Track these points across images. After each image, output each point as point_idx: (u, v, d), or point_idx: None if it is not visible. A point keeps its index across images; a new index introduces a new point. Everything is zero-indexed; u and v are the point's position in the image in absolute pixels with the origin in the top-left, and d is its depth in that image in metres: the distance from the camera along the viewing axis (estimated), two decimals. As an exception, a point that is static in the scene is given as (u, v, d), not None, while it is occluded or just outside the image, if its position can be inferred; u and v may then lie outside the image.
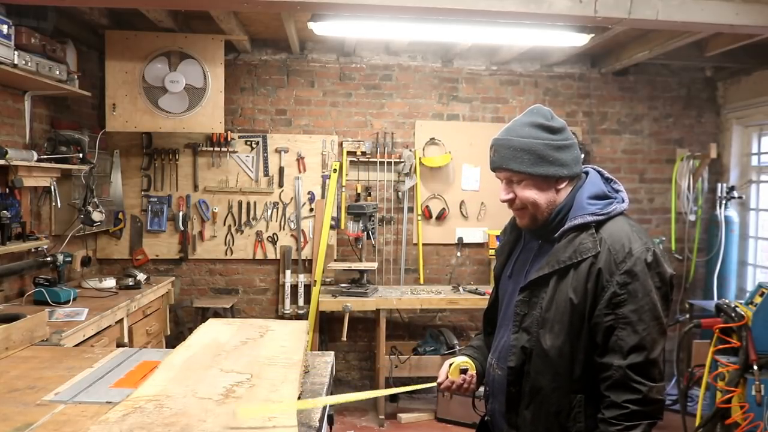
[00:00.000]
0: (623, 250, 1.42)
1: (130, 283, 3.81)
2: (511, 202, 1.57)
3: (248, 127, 4.76)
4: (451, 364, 1.71)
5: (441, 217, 4.88)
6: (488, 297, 1.87)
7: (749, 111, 4.90)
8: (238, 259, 4.75)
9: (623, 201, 1.53)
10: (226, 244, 4.70)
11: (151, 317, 3.94)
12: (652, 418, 1.39)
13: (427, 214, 4.86)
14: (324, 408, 1.69)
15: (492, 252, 4.66)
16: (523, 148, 1.49)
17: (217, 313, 4.42)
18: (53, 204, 3.58)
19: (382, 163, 4.79)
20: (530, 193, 1.52)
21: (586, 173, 1.57)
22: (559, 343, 1.46)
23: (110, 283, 3.75)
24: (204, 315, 4.36)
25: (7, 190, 3.20)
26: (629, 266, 1.41)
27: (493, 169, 1.58)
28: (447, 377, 1.70)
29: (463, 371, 1.70)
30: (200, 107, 4.12)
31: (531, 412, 1.51)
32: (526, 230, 1.64)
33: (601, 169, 1.60)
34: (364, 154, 4.75)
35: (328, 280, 4.67)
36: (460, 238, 4.92)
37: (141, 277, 3.92)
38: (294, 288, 4.72)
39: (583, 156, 4.80)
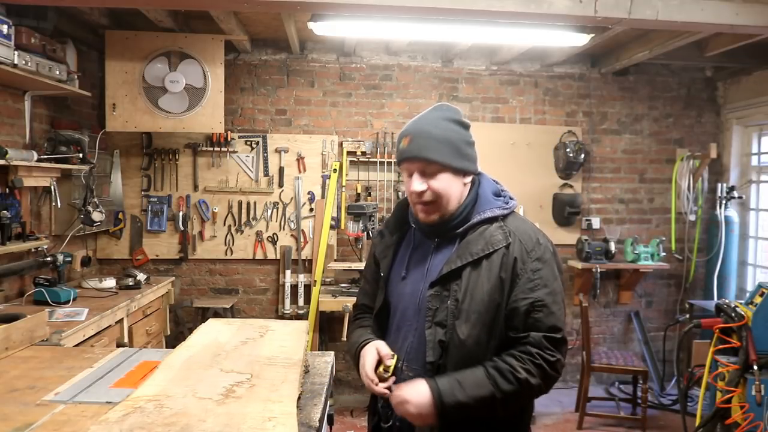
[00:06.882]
0: (531, 240, 1.54)
1: (130, 283, 3.81)
2: (420, 194, 1.55)
3: (248, 127, 4.76)
4: (379, 363, 1.56)
5: (441, 217, 4.87)
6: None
7: (749, 111, 4.89)
8: (238, 259, 4.74)
9: (513, 199, 1.66)
10: (226, 244, 4.70)
11: (151, 317, 3.94)
12: (547, 380, 1.48)
13: (427, 214, 4.85)
14: (324, 408, 1.69)
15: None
16: (442, 139, 1.54)
17: (217, 313, 4.42)
18: (53, 204, 3.58)
19: (382, 163, 4.78)
20: (445, 185, 1.54)
21: (478, 173, 1.66)
22: (476, 332, 1.50)
23: (110, 283, 3.75)
24: (204, 315, 4.36)
25: (7, 190, 3.20)
26: (539, 254, 1.53)
27: (407, 158, 1.56)
28: (375, 371, 1.55)
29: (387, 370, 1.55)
30: (200, 107, 4.12)
31: None
32: (425, 229, 1.63)
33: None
34: (364, 154, 4.74)
35: (328, 280, 4.67)
36: (460, 238, 4.91)
37: (141, 277, 3.92)
38: (294, 288, 4.72)
39: (583, 156, 4.86)
